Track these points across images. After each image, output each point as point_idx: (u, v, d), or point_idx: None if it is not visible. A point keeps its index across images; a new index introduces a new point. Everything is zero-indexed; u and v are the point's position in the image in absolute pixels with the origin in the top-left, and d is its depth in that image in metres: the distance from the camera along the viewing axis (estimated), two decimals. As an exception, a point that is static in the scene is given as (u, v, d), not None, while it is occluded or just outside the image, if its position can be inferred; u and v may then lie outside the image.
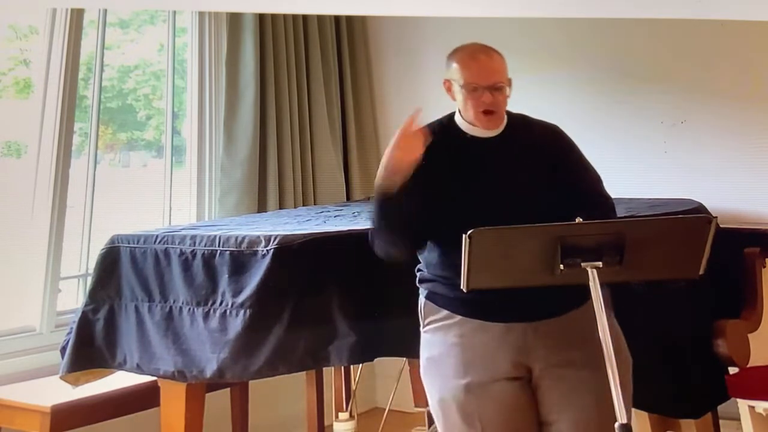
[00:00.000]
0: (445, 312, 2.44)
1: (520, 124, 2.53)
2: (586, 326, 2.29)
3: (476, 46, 2.47)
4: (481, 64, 2.41)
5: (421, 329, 2.51)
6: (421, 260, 2.52)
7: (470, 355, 2.38)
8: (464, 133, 2.48)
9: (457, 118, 2.51)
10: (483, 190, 2.40)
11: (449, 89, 2.48)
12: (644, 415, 3.34)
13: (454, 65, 2.44)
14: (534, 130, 2.53)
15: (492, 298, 2.31)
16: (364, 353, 2.91)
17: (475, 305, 2.37)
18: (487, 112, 2.42)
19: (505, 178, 2.42)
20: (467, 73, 2.41)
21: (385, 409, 4.13)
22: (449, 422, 2.41)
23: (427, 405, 2.75)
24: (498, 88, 2.40)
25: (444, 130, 2.50)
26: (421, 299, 2.51)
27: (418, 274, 2.54)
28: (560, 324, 2.39)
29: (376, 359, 3.01)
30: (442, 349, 2.43)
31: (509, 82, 2.43)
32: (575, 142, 2.55)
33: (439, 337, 2.45)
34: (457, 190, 2.41)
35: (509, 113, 2.51)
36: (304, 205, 4.52)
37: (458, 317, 2.41)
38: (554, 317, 2.39)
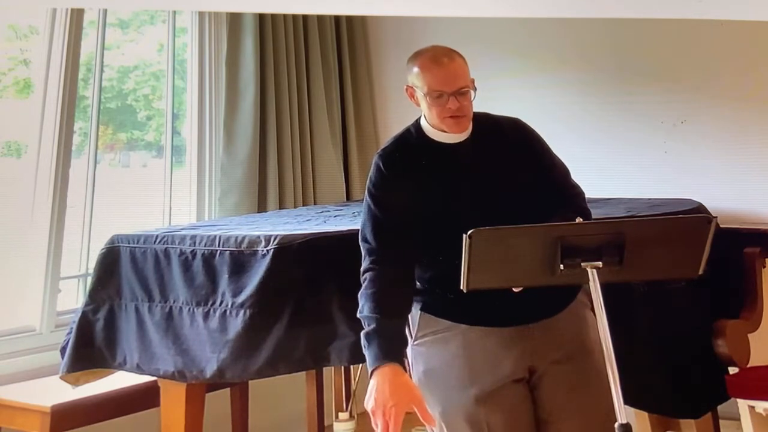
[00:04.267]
0: (446, 323, 2.40)
1: (486, 123, 2.47)
2: (575, 321, 2.39)
3: (437, 50, 2.40)
4: (444, 70, 2.33)
5: (411, 342, 2.44)
6: None
7: (475, 363, 2.36)
8: (434, 141, 2.42)
9: (424, 125, 2.45)
10: (465, 195, 2.36)
11: (412, 96, 2.43)
12: (644, 415, 3.35)
13: (416, 70, 2.38)
14: (502, 128, 2.48)
15: (495, 304, 2.30)
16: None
17: (479, 313, 2.35)
18: (454, 117, 2.36)
19: (485, 180, 2.38)
20: (431, 79, 2.34)
21: (385, 409, 4.12)
22: None
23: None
24: (463, 92, 2.34)
25: (412, 141, 2.45)
26: (414, 311, 2.43)
27: None
28: (557, 321, 2.39)
29: (376, 359, 3.00)
30: (443, 360, 2.39)
31: (473, 84, 2.37)
32: (539, 134, 2.51)
33: (437, 348, 2.40)
34: (440, 200, 2.36)
35: (473, 113, 2.45)
36: (304, 205, 4.52)
37: (462, 326, 2.38)
38: (553, 315, 2.39)
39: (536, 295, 2.25)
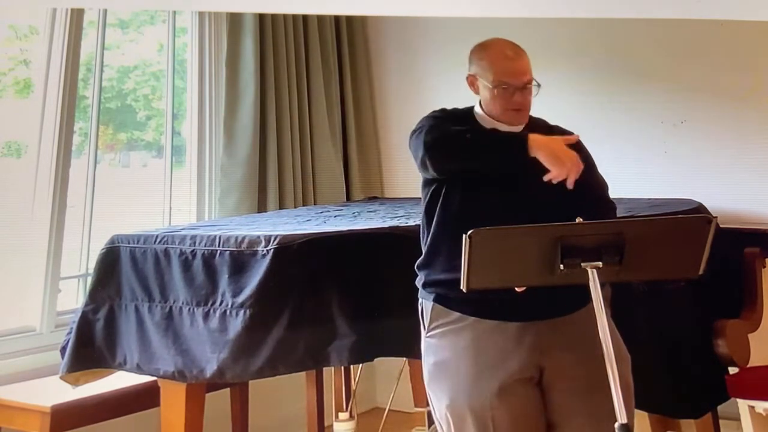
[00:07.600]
0: (456, 314, 2.40)
1: (539, 125, 2.52)
2: (590, 325, 2.29)
3: (504, 44, 2.46)
4: (512, 64, 2.41)
5: (424, 334, 2.46)
6: (426, 263, 2.49)
7: (484, 357, 2.36)
8: (484, 128, 2.45)
9: (478, 112, 2.50)
10: (502, 186, 2.38)
11: (473, 84, 2.48)
12: (644, 415, 3.35)
13: (483, 62, 2.44)
14: (552, 133, 2.49)
15: (506, 298, 2.29)
16: (364, 353, 2.91)
17: (490, 306, 2.35)
18: (516, 110, 2.42)
19: (525, 175, 2.37)
20: (498, 71, 2.41)
21: (385, 409, 4.14)
22: (460, 428, 2.37)
23: (427, 405, 2.75)
24: (528, 87, 2.41)
25: (463, 121, 2.48)
26: (427, 303, 2.46)
27: (422, 276, 2.49)
28: (570, 322, 2.38)
29: (376, 359, 3.01)
30: (453, 352, 2.39)
31: (535, 80, 2.43)
32: (590, 152, 2.54)
33: (448, 340, 2.41)
34: (475, 184, 2.39)
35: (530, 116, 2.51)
36: (304, 205, 4.52)
37: (471, 319, 2.38)
38: (565, 315, 2.38)
39: (548, 293, 2.24)
